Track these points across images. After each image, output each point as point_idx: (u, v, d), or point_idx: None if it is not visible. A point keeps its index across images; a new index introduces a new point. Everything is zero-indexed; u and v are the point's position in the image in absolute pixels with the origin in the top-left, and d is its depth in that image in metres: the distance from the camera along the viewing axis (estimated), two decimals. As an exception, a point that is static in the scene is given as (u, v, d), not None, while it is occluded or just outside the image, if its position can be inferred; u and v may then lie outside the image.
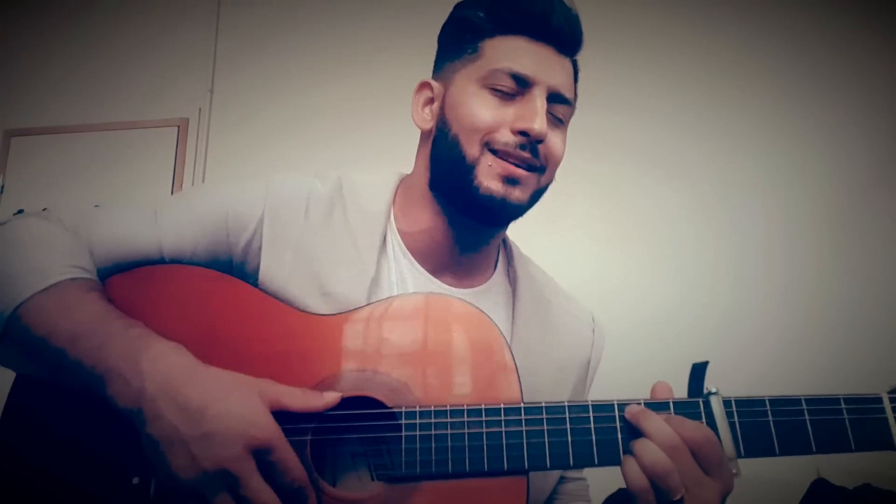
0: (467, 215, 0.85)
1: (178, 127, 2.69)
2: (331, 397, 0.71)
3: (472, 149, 0.82)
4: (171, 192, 2.60)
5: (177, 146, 2.66)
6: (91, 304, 0.74)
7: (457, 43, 0.88)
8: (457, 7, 0.91)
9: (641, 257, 2.30)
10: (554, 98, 0.84)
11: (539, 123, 0.80)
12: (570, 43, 0.87)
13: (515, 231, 0.97)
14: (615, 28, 2.49)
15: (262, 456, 0.66)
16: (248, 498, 0.64)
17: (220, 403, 0.66)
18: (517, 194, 0.82)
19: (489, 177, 0.81)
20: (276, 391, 0.70)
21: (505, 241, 1.00)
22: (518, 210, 0.85)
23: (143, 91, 2.75)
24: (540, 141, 0.81)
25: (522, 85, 0.83)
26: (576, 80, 0.90)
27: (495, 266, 0.96)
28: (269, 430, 0.66)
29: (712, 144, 2.36)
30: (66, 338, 0.71)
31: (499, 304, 0.92)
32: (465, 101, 0.84)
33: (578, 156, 2.35)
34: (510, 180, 0.82)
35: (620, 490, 0.70)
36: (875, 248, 2.18)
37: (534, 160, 0.83)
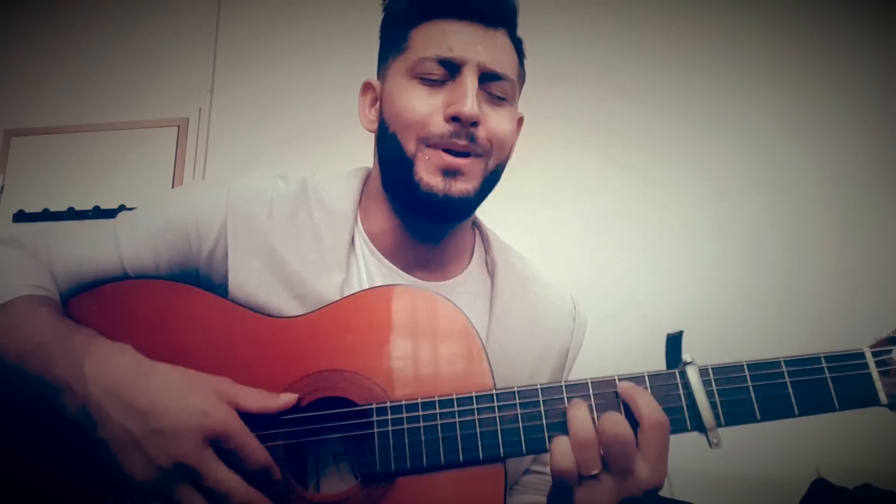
0: (417, 213, 0.84)
1: (178, 127, 2.69)
2: (287, 398, 0.71)
3: (409, 145, 0.80)
4: (171, 192, 2.60)
5: (177, 146, 2.66)
6: (40, 319, 0.73)
7: (390, 38, 0.87)
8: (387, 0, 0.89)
9: (630, 250, 2.31)
10: (488, 76, 0.81)
11: (469, 105, 0.77)
12: (498, 13, 0.83)
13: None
14: (612, 24, 2.49)
15: (219, 445, 0.64)
16: (211, 488, 0.63)
17: (168, 398, 0.65)
18: (459, 186, 0.79)
19: (428, 171, 0.79)
20: (232, 390, 0.69)
21: (481, 230, 0.98)
22: (466, 202, 0.81)
23: (143, 91, 2.75)
24: (475, 124, 0.78)
25: (451, 69, 0.80)
26: (521, 55, 0.87)
27: (471, 256, 0.94)
28: (224, 418, 0.65)
29: (708, 139, 2.38)
30: (16, 355, 0.70)
31: (475, 295, 0.91)
32: (396, 96, 0.82)
33: (571, 147, 2.38)
34: (449, 172, 0.79)
35: None
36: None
37: (472, 146, 0.79)
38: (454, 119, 0.78)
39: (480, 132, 0.80)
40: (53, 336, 0.71)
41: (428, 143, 0.79)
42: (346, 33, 2.62)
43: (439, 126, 0.79)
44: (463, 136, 0.79)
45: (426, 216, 0.83)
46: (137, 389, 0.66)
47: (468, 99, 0.77)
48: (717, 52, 2.43)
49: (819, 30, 2.39)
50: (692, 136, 2.37)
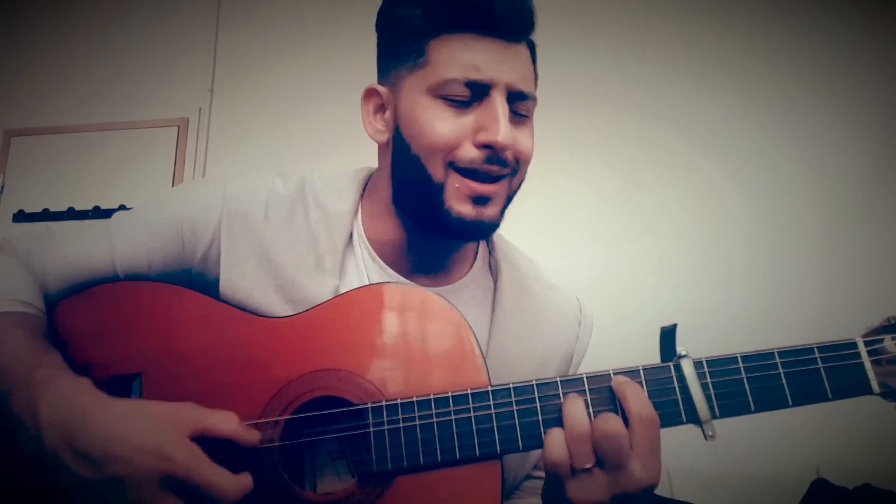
0: (440, 235, 0.82)
1: (178, 127, 2.69)
2: (257, 436, 0.69)
3: (436, 170, 0.77)
4: (171, 192, 2.60)
5: (177, 146, 2.66)
6: (7, 344, 0.71)
7: (399, 45, 0.81)
8: (388, 1, 0.84)
9: (627, 248, 2.32)
10: (514, 96, 0.78)
11: (503, 134, 0.75)
12: (522, 27, 0.79)
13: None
14: (611, 29, 2.50)
15: (179, 484, 0.62)
16: None
17: (123, 442, 0.63)
18: (489, 212, 0.79)
19: (458, 199, 0.77)
20: (196, 417, 0.66)
21: None
22: (494, 226, 0.81)
23: (143, 91, 2.75)
24: (506, 150, 0.77)
25: (479, 90, 0.76)
26: (534, 59, 0.83)
27: (475, 258, 0.93)
28: (182, 457, 0.62)
29: (707, 139, 2.39)
30: None
31: (478, 297, 0.89)
32: (419, 116, 0.78)
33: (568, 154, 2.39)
34: (480, 200, 0.78)
35: None
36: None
37: (503, 169, 0.78)
38: (486, 146, 0.76)
39: (509, 154, 0.78)
40: (15, 366, 0.69)
41: (457, 167, 0.77)
42: (346, 33, 2.62)
43: (469, 152, 0.76)
44: (495, 162, 0.77)
45: (450, 237, 0.82)
46: (92, 434, 0.63)
47: (501, 126, 0.75)
48: (709, 58, 2.44)
49: (811, 31, 2.40)
50: (688, 140, 2.38)
